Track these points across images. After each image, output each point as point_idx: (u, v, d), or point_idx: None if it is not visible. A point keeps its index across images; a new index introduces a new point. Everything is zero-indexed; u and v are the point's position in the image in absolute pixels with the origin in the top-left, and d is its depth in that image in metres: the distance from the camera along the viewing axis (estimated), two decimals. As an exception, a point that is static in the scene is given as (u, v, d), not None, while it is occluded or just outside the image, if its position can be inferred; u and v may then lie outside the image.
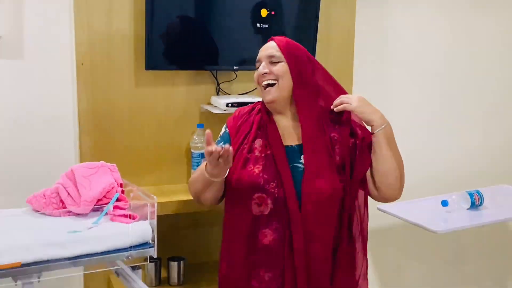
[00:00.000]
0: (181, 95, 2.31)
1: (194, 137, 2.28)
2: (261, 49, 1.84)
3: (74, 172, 1.79)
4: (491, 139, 2.92)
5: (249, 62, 2.30)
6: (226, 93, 2.37)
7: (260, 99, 1.87)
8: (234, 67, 2.30)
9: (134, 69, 2.22)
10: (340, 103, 1.77)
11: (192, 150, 2.28)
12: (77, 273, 2.14)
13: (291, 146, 1.81)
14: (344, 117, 1.82)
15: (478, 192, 2.50)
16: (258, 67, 1.83)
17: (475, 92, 2.88)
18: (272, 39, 1.85)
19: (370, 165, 1.79)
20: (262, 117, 1.84)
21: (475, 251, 2.98)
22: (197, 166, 2.27)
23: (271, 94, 1.79)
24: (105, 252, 1.58)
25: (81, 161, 2.13)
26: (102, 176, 1.79)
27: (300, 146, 1.80)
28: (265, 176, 1.75)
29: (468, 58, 2.84)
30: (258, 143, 1.81)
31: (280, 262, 1.74)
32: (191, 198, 1.90)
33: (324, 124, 1.80)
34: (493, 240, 2.98)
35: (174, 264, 2.26)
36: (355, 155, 1.79)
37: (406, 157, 2.78)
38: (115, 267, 1.75)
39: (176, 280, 2.26)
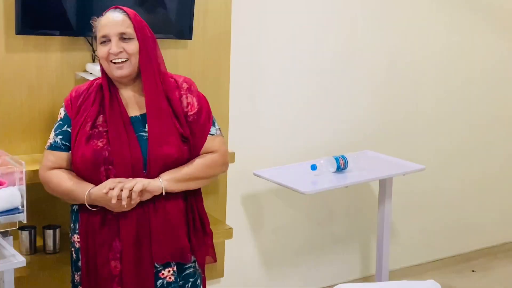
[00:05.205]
0: (55, 61, 2.25)
1: (69, 104, 2.23)
2: (107, 22, 1.80)
3: None
4: (355, 109, 3.10)
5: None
6: (102, 61, 2.33)
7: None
8: (110, 35, 2.26)
9: (4, 33, 2.13)
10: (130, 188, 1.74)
11: (67, 118, 2.23)
12: None
13: (135, 116, 1.85)
14: (176, 92, 1.88)
15: (343, 156, 2.67)
16: (103, 42, 1.80)
17: (343, 69, 3.02)
18: (120, 10, 1.83)
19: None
20: (104, 93, 1.84)
21: (342, 211, 3.16)
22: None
23: (124, 70, 1.81)
24: (-30, 218, 1.55)
25: None
26: (-33, 143, 1.73)
27: (143, 115, 1.84)
28: (109, 148, 1.79)
29: (337, 38, 2.98)
30: (101, 118, 1.83)
31: (132, 231, 1.80)
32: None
33: (164, 94, 1.85)
34: (357, 201, 3.19)
35: (49, 232, 2.22)
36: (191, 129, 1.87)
37: (282, 128, 2.92)
38: (-18, 234, 1.70)
39: (51, 248, 2.22)
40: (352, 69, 3.05)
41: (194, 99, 1.90)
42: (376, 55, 3.11)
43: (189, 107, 1.88)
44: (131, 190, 1.74)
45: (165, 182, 1.80)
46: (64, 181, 1.83)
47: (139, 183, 1.75)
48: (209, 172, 1.91)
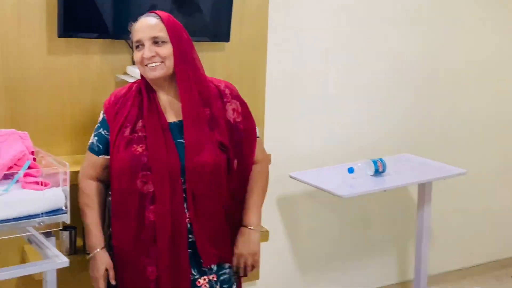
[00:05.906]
0: (96, 64, 2.28)
1: (110, 106, 2.25)
2: (140, 27, 1.81)
3: (-17, 140, 1.74)
4: (394, 111, 3.07)
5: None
6: (141, 63, 2.35)
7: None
8: (150, 37, 2.28)
9: (47, 36, 2.17)
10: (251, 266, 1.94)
11: (108, 119, 2.25)
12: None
13: (173, 122, 1.84)
14: (218, 100, 1.87)
15: (381, 160, 2.65)
16: (137, 47, 1.81)
17: (382, 71, 3.00)
18: (153, 14, 1.83)
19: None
20: (143, 97, 1.84)
21: (379, 215, 3.15)
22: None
23: (157, 72, 1.80)
24: (16, 218, 1.57)
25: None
26: (13, 144, 1.77)
27: (180, 122, 1.83)
28: (148, 154, 1.78)
29: (376, 41, 2.95)
30: (140, 123, 1.82)
31: (168, 237, 1.79)
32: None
33: (203, 100, 1.84)
34: (395, 205, 3.16)
35: (89, 233, 2.24)
36: (236, 137, 1.87)
37: (319, 130, 2.90)
38: (26, 234, 1.73)
39: (91, 248, 2.24)
40: (391, 71, 3.02)
41: (238, 104, 1.90)
42: (415, 57, 3.07)
43: (235, 114, 1.88)
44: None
45: (258, 227, 1.92)
46: (89, 212, 1.87)
47: (252, 261, 1.92)
48: (267, 187, 2.02)
